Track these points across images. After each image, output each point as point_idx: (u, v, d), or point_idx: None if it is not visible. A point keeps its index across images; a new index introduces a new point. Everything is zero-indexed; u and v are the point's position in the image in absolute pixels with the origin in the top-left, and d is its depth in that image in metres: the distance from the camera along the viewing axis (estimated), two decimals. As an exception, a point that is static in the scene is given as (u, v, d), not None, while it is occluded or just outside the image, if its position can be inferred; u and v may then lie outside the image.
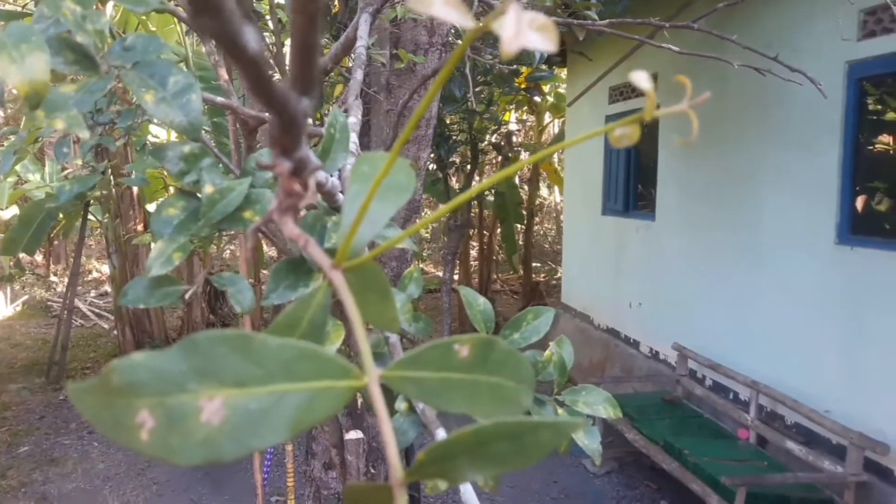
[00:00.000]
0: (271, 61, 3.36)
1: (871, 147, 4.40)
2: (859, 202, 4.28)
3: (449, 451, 0.32)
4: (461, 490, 0.90)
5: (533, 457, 0.32)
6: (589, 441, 1.06)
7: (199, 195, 0.93)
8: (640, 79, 0.36)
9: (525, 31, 0.28)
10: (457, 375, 0.36)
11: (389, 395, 1.03)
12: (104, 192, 7.27)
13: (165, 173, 6.75)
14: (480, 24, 0.29)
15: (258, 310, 5.73)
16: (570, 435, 0.32)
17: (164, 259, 0.86)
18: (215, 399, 0.29)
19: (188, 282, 0.99)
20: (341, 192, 0.97)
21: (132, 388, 0.28)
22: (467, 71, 3.08)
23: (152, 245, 0.90)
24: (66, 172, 7.38)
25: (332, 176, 0.97)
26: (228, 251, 12.40)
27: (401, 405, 1.11)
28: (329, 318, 0.42)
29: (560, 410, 1.09)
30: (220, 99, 1.61)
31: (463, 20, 0.29)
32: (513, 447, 0.32)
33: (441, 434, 1.00)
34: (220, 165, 0.99)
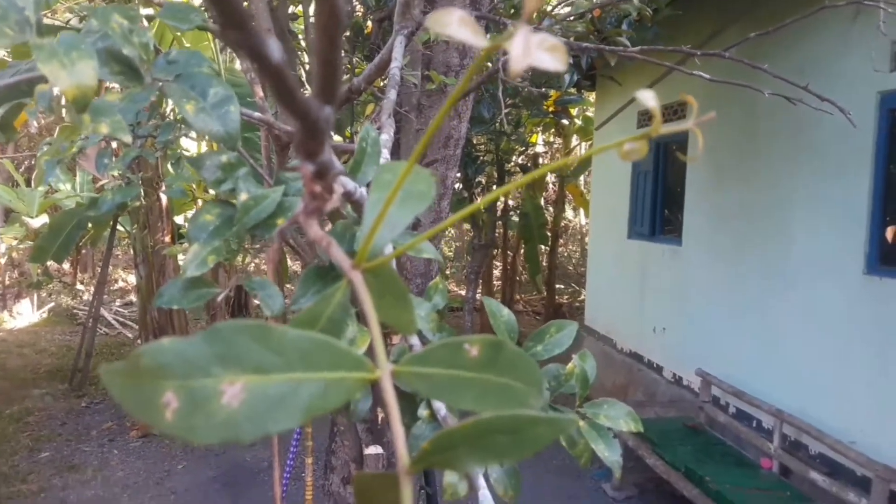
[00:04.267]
0: (304, 79, 3.42)
1: (902, 177, 4.36)
2: (889, 232, 4.24)
3: (452, 441, 0.34)
4: (479, 498, 0.91)
5: (530, 449, 0.34)
6: (609, 453, 1.07)
7: (233, 203, 0.96)
8: (647, 97, 0.38)
9: (533, 51, 0.30)
10: (466, 374, 0.38)
11: (411, 402, 1.05)
12: (137, 202, 7.38)
13: (194, 186, 6.84)
14: (492, 44, 0.31)
15: (280, 320, 5.76)
16: (567, 431, 0.33)
17: (199, 261, 0.90)
18: (236, 384, 0.31)
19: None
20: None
21: (159, 370, 0.30)
22: (499, 94, 3.11)
23: (187, 249, 0.93)
24: (100, 184, 7.50)
25: (361, 187, 1.00)
26: (253, 265, 12.52)
27: (423, 412, 1.12)
28: (352, 321, 0.44)
29: (581, 423, 1.10)
30: (256, 114, 1.66)
31: (476, 40, 0.31)
32: (511, 440, 0.34)
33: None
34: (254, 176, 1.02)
